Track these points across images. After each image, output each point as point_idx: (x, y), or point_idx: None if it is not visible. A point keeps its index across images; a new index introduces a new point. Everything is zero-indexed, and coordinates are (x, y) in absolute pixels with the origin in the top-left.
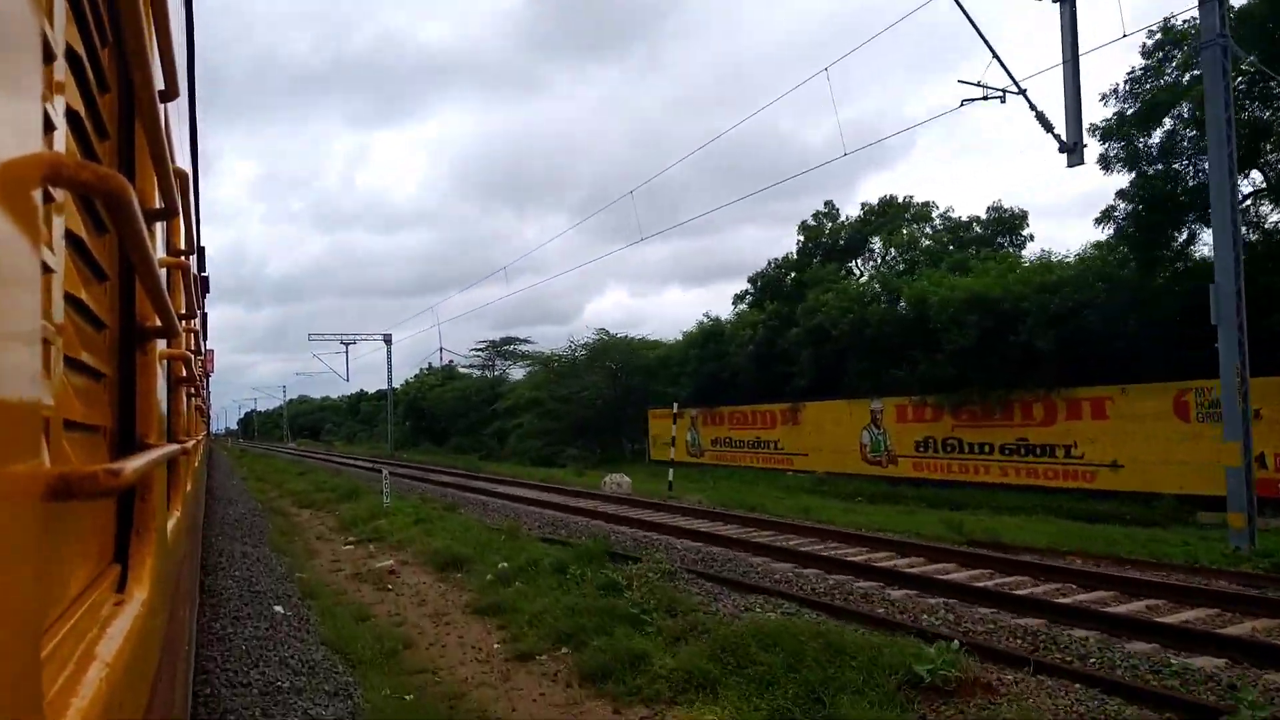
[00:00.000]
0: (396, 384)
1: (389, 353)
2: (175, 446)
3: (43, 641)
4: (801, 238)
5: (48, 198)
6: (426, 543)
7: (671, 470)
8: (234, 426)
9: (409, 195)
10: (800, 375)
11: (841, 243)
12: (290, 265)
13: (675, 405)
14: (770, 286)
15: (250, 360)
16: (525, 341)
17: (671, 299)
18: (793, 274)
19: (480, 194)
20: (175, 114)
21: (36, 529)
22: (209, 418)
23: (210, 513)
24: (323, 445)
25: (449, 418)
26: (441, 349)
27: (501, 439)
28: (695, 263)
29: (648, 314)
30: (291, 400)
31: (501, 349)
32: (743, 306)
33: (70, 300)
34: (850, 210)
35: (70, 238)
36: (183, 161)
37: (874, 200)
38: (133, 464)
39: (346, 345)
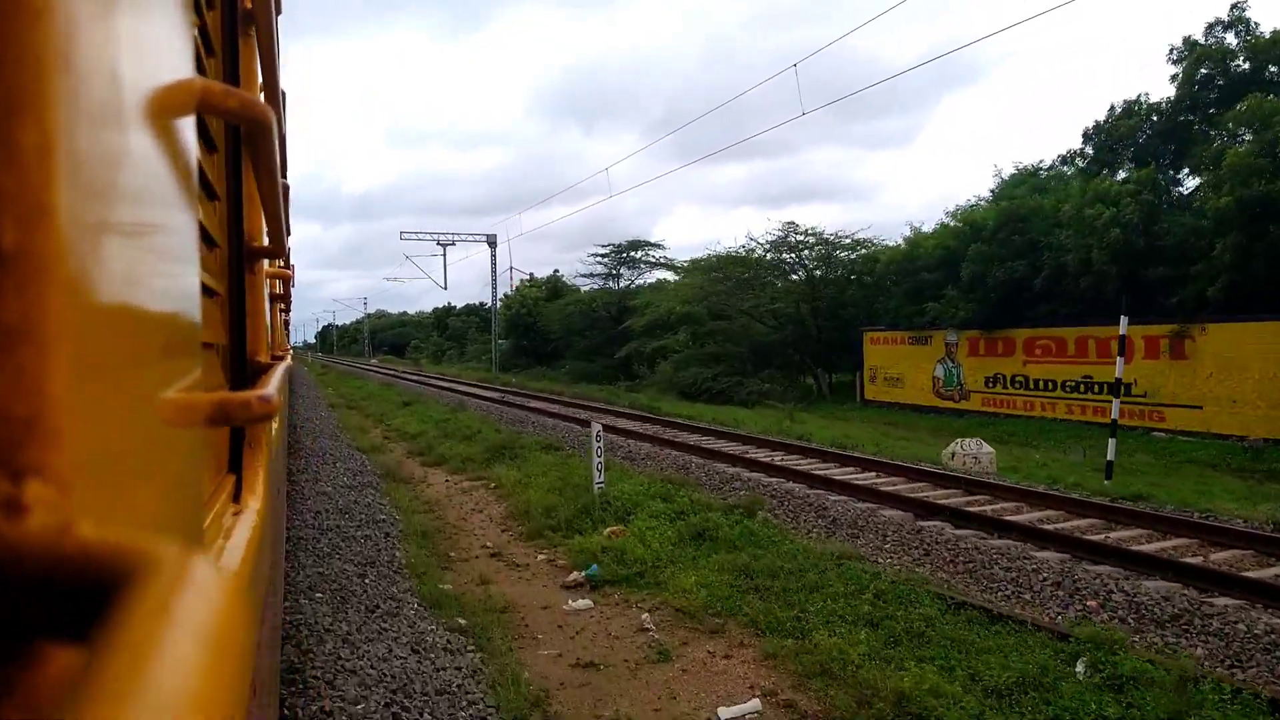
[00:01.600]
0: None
1: (493, 257)
2: (287, 362)
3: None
4: (1181, 70)
5: (201, 126)
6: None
7: (1113, 444)
8: (311, 340)
9: (482, 113)
10: (1199, 280)
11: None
12: (367, 183)
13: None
14: (1125, 142)
15: (324, 276)
16: (656, 246)
17: (745, 220)
18: (1186, 117)
19: (552, 112)
20: None
21: (191, 452)
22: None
23: (297, 469)
24: (409, 363)
25: (565, 336)
26: (512, 268)
27: (630, 364)
28: (770, 184)
29: (721, 236)
30: (369, 315)
31: (627, 256)
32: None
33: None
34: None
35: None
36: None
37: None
38: (273, 389)
39: (444, 246)
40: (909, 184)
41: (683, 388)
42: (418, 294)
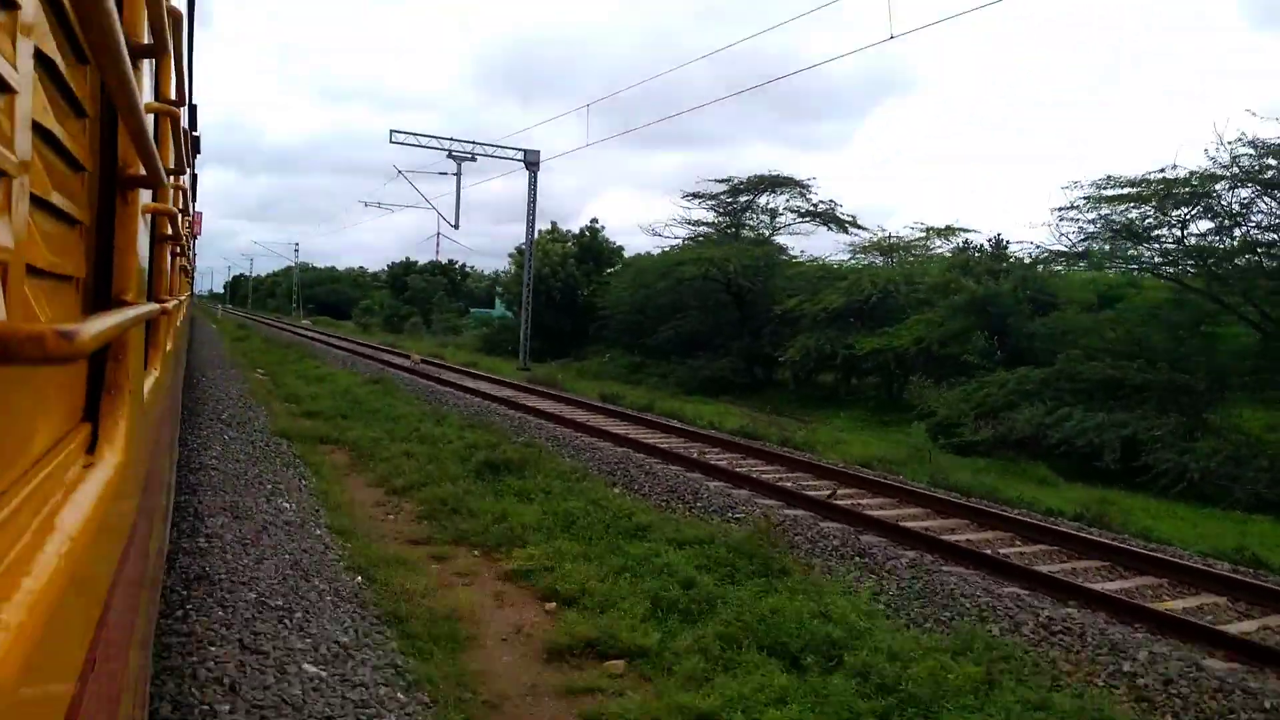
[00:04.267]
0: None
1: (532, 184)
2: (154, 306)
3: None
4: None
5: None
6: None
7: None
8: (219, 290)
9: (416, 76)
10: None
11: None
12: (290, 136)
13: None
14: None
15: (237, 227)
16: (801, 186)
17: (675, 211)
18: None
19: (488, 82)
20: None
21: None
22: (193, 279)
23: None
24: (355, 330)
25: (636, 314)
26: (439, 235)
27: (758, 364)
28: (707, 174)
29: (654, 221)
30: (289, 266)
31: (751, 203)
32: None
33: (39, 131)
34: None
35: (41, 59)
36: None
37: None
38: (93, 326)
39: (459, 160)
40: (840, 185)
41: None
42: (346, 248)
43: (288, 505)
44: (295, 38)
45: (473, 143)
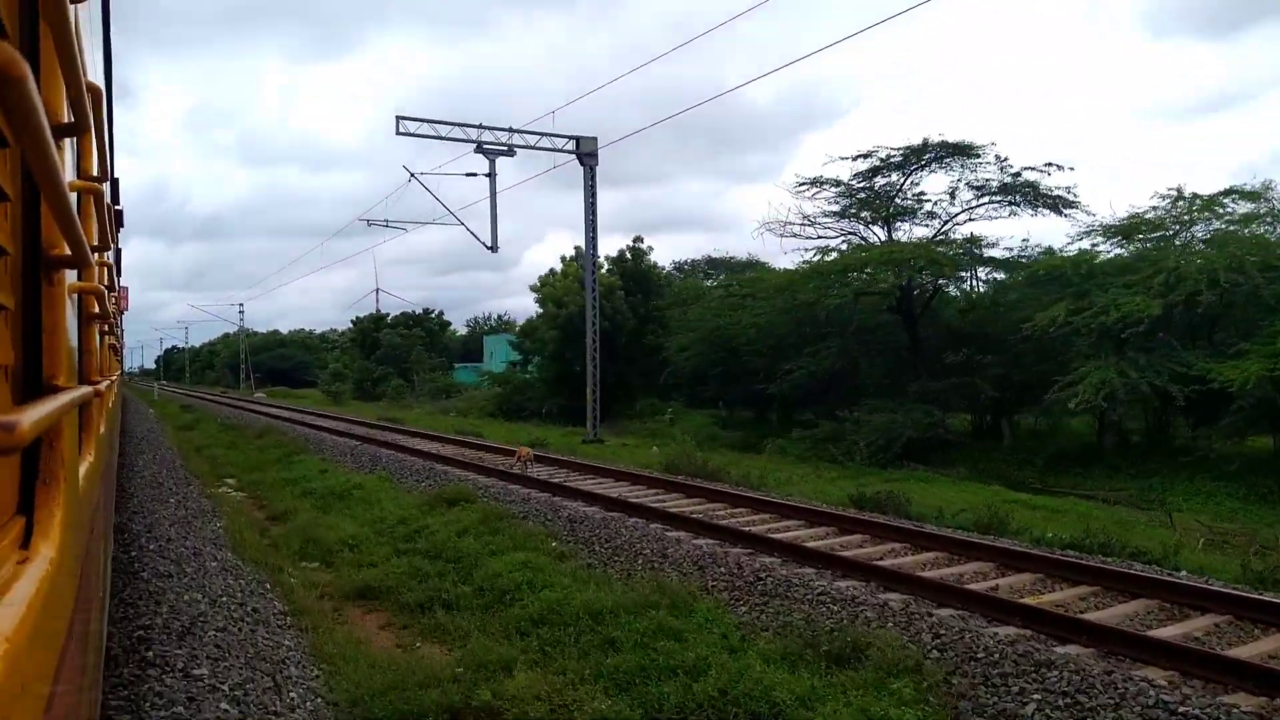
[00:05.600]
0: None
1: (590, 183)
2: (87, 389)
3: None
4: None
5: None
6: None
7: None
8: (150, 365)
9: (344, 134)
10: None
11: None
12: (216, 203)
13: None
14: None
15: (168, 298)
16: (976, 155)
17: (615, 248)
18: None
19: (418, 137)
20: (85, 20)
21: None
22: (123, 357)
23: None
24: (325, 400)
25: (774, 351)
26: (378, 290)
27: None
28: (640, 215)
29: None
30: (227, 335)
31: (906, 170)
32: None
33: None
34: None
35: None
36: (95, 77)
37: None
38: (31, 415)
39: (490, 156)
40: (763, 216)
41: None
42: (281, 312)
43: None
44: (217, 103)
45: (509, 129)
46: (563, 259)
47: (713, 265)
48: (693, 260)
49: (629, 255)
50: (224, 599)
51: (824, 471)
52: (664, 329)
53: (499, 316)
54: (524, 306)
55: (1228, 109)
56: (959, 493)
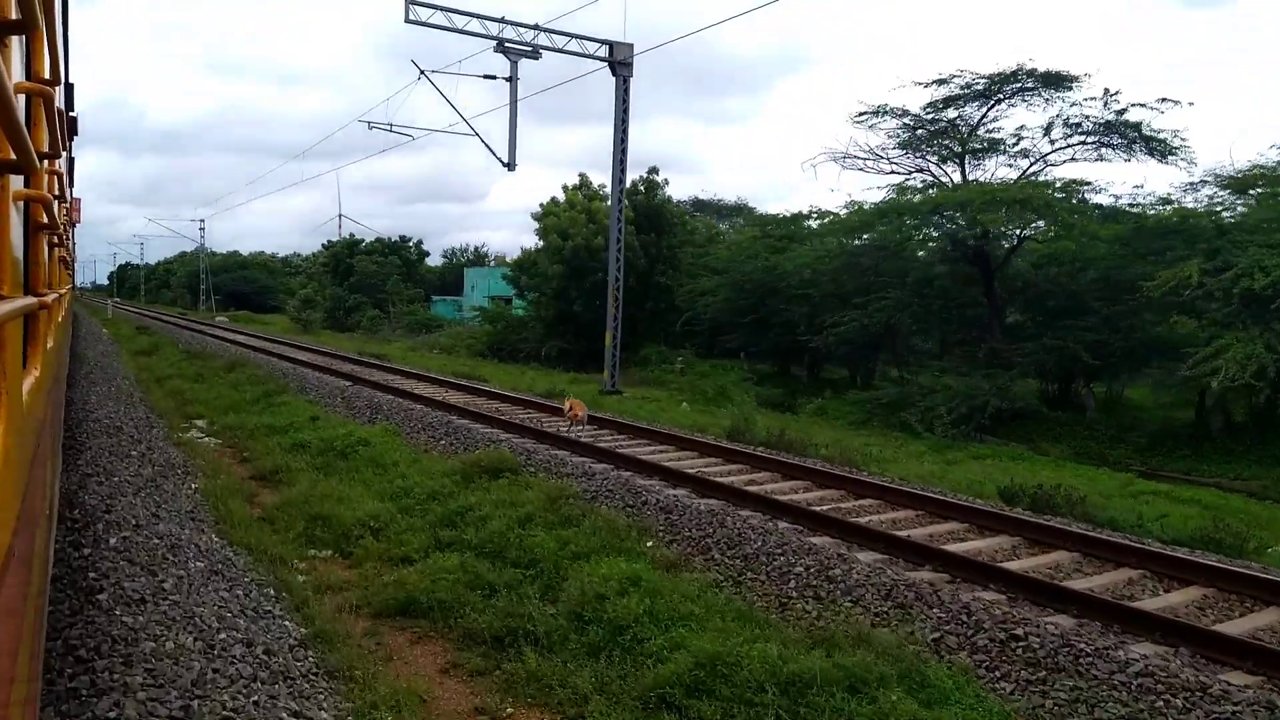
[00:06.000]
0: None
1: (622, 92)
2: (31, 300)
3: None
4: None
5: None
6: None
7: None
8: (103, 281)
9: (313, 51)
10: None
11: None
12: (177, 116)
13: None
14: None
15: (121, 213)
16: (1070, 85)
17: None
18: None
19: (393, 58)
20: None
21: None
22: (74, 271)
23: None
24: (294, 328)
25: (817, 301)
26: (341, 215)
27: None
28: (607, 151)
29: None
30: (185, 253)
31: (987, 100)
32: None
33: None
34: None
35: None
36: None
37: None
38: None
39: (512, 58)
40: (740, 161)
41: None
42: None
43: None
44: (178, 13)
45: (535, 27)
46: (565, 188)
47: (699, 207)
48: (679, 201)
49: (642, 188)
50: (223, 636)
51: (903, 443)
52: (676, 270)
53: (476, 249)
54: (499, 240)
55: None
56: (1075, 478)
